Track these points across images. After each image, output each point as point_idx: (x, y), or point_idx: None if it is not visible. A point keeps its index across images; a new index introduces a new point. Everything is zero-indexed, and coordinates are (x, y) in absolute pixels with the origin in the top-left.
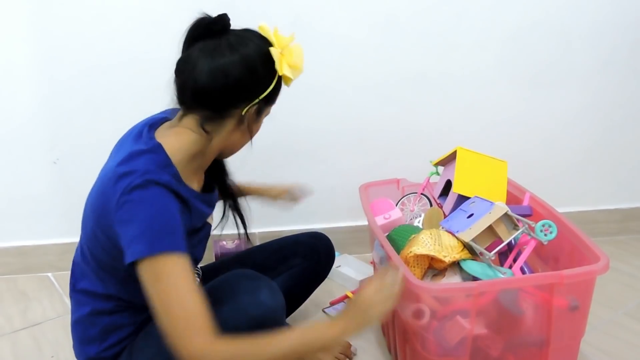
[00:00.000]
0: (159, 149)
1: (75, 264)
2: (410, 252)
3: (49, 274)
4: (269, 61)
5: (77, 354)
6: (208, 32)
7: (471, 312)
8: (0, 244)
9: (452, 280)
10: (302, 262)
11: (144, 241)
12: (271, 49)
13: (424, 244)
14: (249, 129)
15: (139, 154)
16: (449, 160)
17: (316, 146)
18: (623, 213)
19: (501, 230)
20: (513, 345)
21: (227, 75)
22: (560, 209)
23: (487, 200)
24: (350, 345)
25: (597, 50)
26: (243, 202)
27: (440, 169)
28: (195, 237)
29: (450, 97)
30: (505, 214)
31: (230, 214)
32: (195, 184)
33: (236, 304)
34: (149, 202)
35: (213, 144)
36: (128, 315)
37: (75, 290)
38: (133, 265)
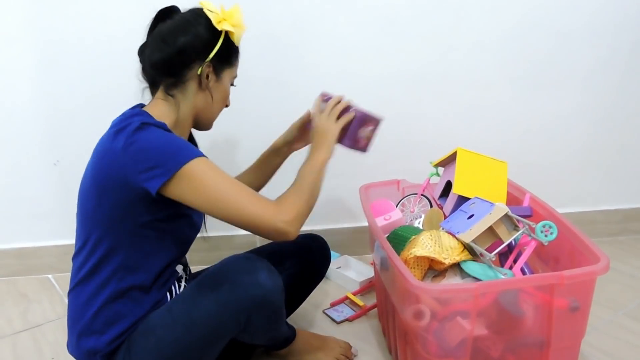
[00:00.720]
0: (145, 112)
1: (73, 261)
2: (411, 253)
3: (49, 276)
4: (210, 24)
5: (72, 350)
6: (159, 20)
7: (472, 313)
8: (0, 245)
9: (452, 281)
10: (298, 262)
11: (167, 164)
12: (204, 9)
13: (424, 246)
14: (210, 90)
15: (129, 117)
16: (449, 161)
17: None
18: (623, 213)
19: (501, 231)
20: (513, 346)
21: (174, 42)
22: (560, 210)
23: (488, 201)
24: (351, 347)
25: (597, 50)
26: None
27: (441, 169)
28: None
29: (450, 97)
30: (506, 215)
31: None
32: None
33: (235, 284)
34: (153, 135)
35: (183, 109)
36: (129, 302)
37: (74, 285)
38: (161, 194)
